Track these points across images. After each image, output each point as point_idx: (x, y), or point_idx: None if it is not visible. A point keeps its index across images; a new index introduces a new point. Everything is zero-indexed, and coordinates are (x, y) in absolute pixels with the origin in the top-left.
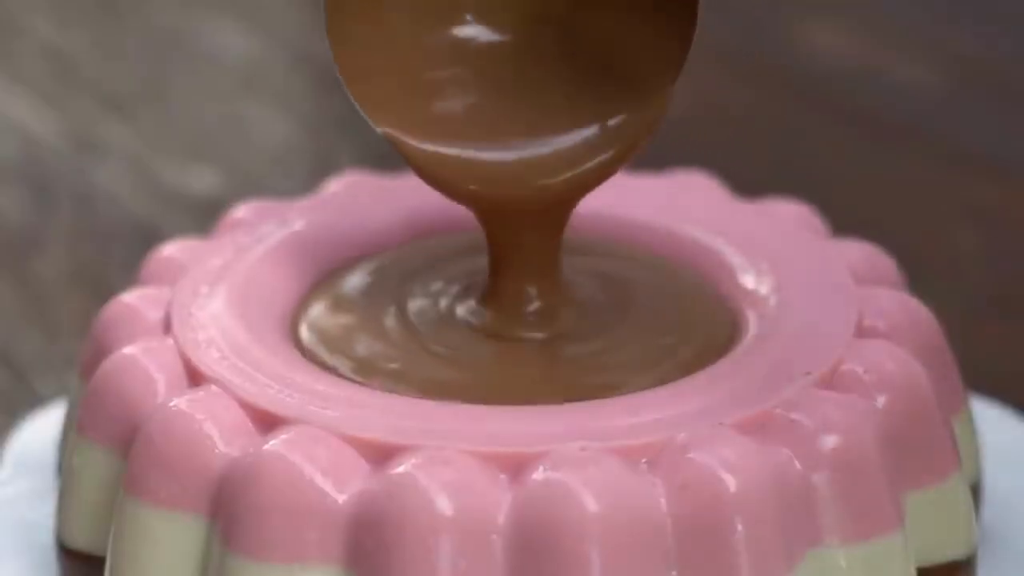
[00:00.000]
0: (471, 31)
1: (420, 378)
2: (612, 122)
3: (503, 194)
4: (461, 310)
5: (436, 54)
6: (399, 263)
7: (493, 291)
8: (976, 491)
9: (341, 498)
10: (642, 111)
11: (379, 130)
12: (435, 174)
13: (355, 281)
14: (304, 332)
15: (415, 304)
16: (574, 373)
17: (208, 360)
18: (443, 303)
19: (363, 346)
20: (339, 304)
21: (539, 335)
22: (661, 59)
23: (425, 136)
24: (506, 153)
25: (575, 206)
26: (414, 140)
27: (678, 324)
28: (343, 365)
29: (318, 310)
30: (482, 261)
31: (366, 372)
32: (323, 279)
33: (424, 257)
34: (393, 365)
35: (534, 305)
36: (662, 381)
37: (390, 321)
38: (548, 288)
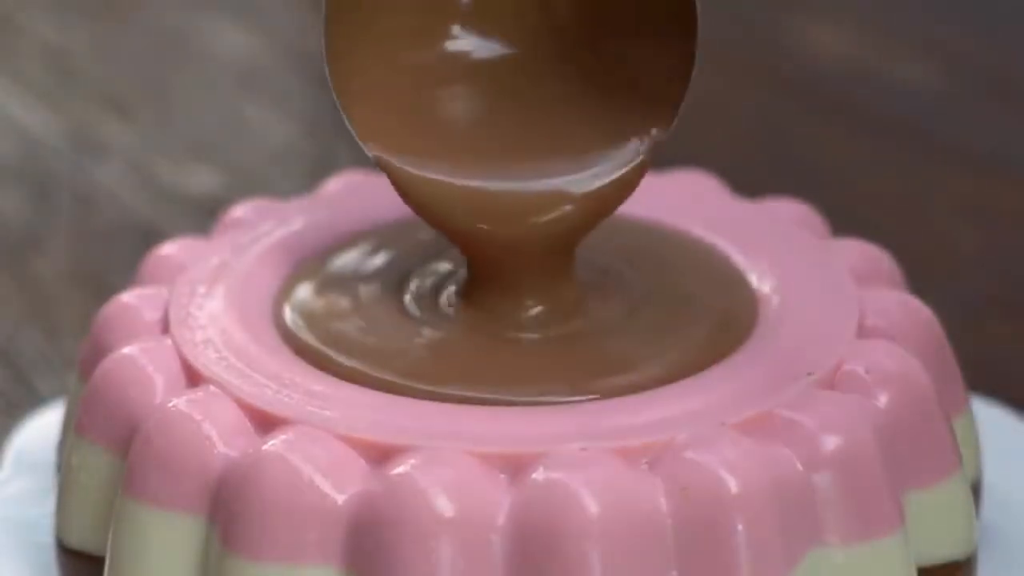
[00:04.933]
0: (466, 48)
1: (418, 371)
2: (614, 148)
3: (496, 229)
4: (456, 300)
5: (431, 74)
6: (390, 249)
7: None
8: (976, 491)
9: (340, 498)
10: (647, 133)
11: (370, 154)
12: (426, 204)
13: (345, 268)
14: (294, 323)
15: (411, 293)
16: (575, 365)
17: (205, 360)
18: (440, 291)
19: (358, 339)
20: (327, 294)
21: (539, 323)
22: (663, 82)
23: (416, 161)
24: (501, 183)
25: (579, 242)
26: (405, 165)
27: (687, 315)
28: (339, 361)
29: (307, 301)
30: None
31: (362, 368)
32: (309, 267)
33: (416, 243)
34: (390, 359)
35: (534, 301)
36: (664, 377)
37: (386, 311)
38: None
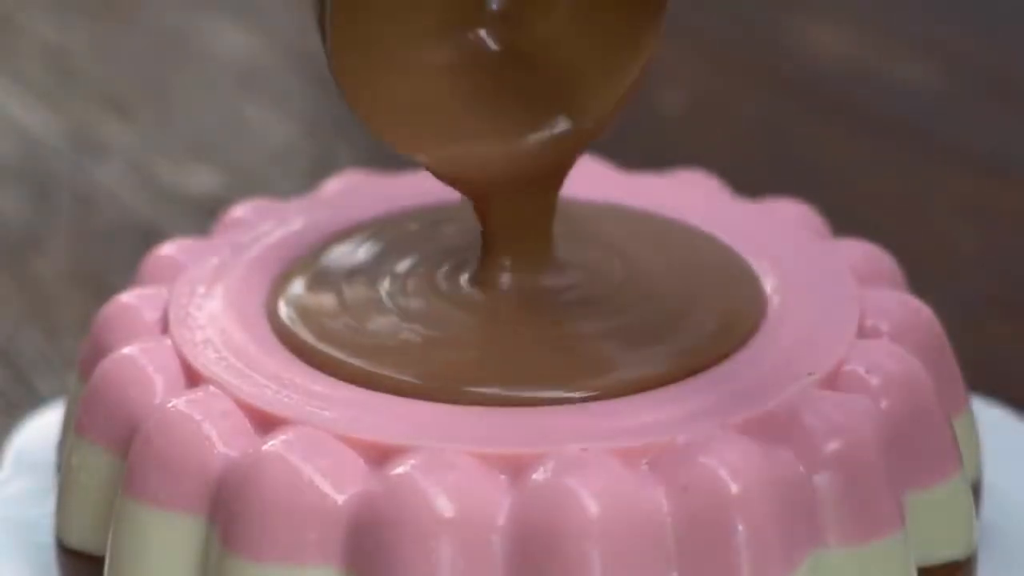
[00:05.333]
0: (458, 47)
1: (419, 371)
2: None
3: (501, 171)
4: (456, 289)
5: (432, 71)
6: (387, 245)
7: (488, 273)
8: (976, 491)
9: (340, 499)
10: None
11: (417, 157)
12: (443, 172)
13: (344, 266)
14: (293, 323)
15: (410, 291)
16: (576, 365)
17: (205, 360)
18: (436, 282)
19: (358, 339)
20: (326, 293)
21: (538, 314)
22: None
23: (436, 146)
24: (496, 143)
25: (564, 177)
26: (429, 152)
27: (688, 315)
28: (339, 361)
29: (305, 301)
30: (462, 231)
31: (362, 368)
32: (307, 266)
33: (414, 238)
34: (390, 359)
35: (530, 281)
36: (664, 377)
37: (385, 311)
38: (542, 265)
